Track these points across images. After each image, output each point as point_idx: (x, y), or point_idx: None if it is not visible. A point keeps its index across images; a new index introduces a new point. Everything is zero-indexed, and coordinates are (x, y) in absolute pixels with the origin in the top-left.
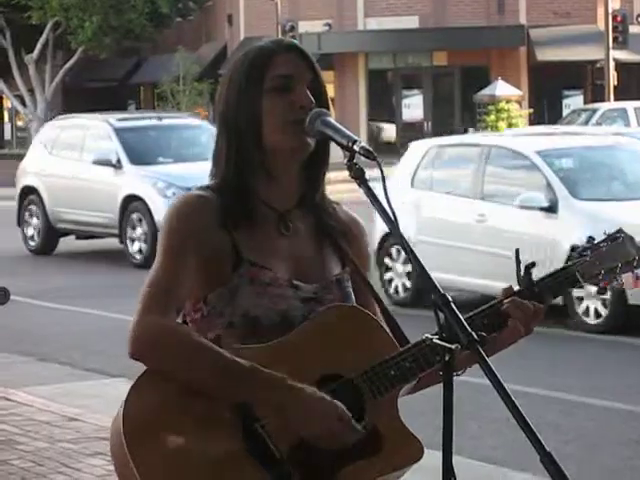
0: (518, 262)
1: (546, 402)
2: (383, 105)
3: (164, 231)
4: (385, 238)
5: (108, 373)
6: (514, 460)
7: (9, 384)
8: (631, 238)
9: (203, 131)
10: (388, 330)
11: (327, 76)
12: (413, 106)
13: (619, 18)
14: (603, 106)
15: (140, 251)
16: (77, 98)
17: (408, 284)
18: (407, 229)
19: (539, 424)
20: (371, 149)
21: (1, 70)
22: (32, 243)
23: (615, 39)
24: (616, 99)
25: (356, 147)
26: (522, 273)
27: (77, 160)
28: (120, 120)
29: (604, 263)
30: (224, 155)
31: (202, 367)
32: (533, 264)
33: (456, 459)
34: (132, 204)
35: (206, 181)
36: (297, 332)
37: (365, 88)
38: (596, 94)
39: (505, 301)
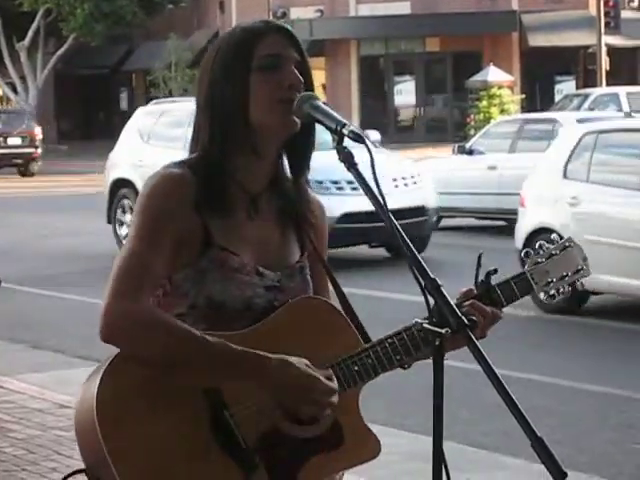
0: (479, 266)
1: (538, 387)
2: (375, 91)
3: (137, 210)
4: (534, 235)
5: (100, 360)
6: (506, 446)
7: (2, 371)
8: (579, 247)
9: None
10: (352, 324)
11: (319, 63)
12: (405, 92)
13: (611, 3)
14: (595, 91)
15: None
16: (69, 85)
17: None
18: (561, 224)
19: (531, 409)
20: (360, 132)
21: None
22: None
23: (607, 24)
24: (608, 84)
25: (345, 130)
26: (481, 278)
27: (183, 149)
28: None
29: (555, 271)
30: (207, 132)
31: (179, 352)
32: (495, 270)
33: (448, 445)
34: None
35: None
36: (266, 323)
37: (357, 74)
38: (588, 79)
39: (465, 304)
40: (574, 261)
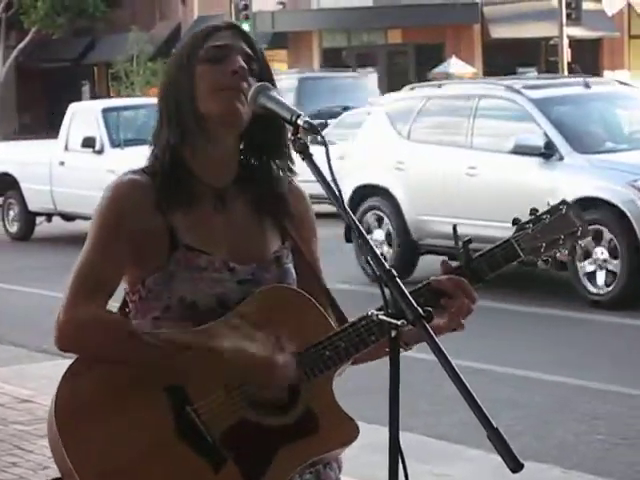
0: (456, 237)
1: (501, 379)
2: None
3: (93, 218)
4: None
5: (61, 354)
6: (468, 437)
7: None
8: (576, 208)
9: (636, 101)
10: (323, 310)
11: (281, 55)
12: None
13: None
14: None
15: (607, 284)
16: (31, 78)
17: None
18: None
19: (494, 400)
20: (315, 123)
21: None
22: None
23: (569, 16)
24: (570, 75)
25: (300, 121)
26: (461, 249)
27: (466, 147)
28: (533, 88)
29: (546, 235)
30: (160, 130)
31: (121, 348)
32: (470, 240)
33: (409, 436)
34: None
35: None
36: (234, 314)
37: (319, 66)
38: (550, 71)
39: (441, 278)
40: (569, 223)
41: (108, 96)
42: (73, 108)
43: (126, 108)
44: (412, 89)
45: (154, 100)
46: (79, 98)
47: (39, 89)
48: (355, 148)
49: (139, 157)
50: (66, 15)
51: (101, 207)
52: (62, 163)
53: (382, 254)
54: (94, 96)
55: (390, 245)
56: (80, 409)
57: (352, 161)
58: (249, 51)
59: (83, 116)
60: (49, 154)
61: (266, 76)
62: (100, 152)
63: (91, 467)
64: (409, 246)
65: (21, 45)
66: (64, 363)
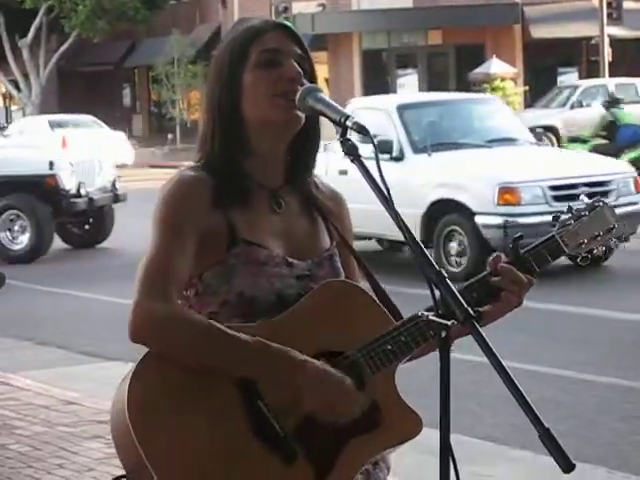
0: (506, 235)
1: (545, 379)
2: (378, 85)
3: (158, 212)
4: None
5: (105, 356)
6: (513, 438)
7: (7, 368)
8: (610, 207)
9: None
10: (381, 305)
11: (321, 57)
12: (408, 85)
13: None
14: (584, 83)
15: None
16: (72, 82)
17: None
18: None
19: (538, 401)
20: (364, 124)
21: None
22: None
23: (609, 15)
24: (611, 75)
25: (348, 123)
26: (510, 245)
27: None
28: None
29: (586, 232)
30: (209, 133)
31: (207, 349)
32: (521, 237)
33: (455, 437)
34: None
35: None
36: (293, 310)
37: (360, 68)
38: (591, 71)
39: (503, 266)
40: (605, 220)
41: (149, 98)
42: (354, 104)
43: (425, 105)
44: None
45: (456, 96)
46: (120, 101)
47: (80, 92)
48: None
49: (447, 165)
50: (107, 19)
51: (165, 202)
52: (344, 172)
53: None
54: (135, 99)
55: None
56: (153, 404)
57: None
58: (300, 52)
59: (372, 115)
60: (324, 161)
61: (311, 74)
62: (399, 159)
63: (168, 461)
64: None
65: (62, 49)
66: (109, 366)
